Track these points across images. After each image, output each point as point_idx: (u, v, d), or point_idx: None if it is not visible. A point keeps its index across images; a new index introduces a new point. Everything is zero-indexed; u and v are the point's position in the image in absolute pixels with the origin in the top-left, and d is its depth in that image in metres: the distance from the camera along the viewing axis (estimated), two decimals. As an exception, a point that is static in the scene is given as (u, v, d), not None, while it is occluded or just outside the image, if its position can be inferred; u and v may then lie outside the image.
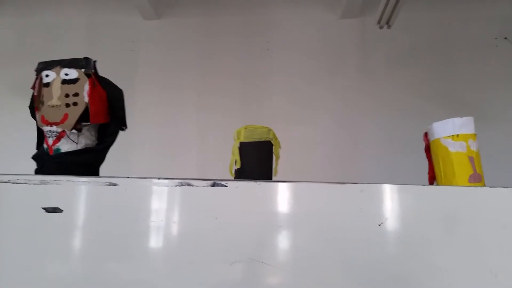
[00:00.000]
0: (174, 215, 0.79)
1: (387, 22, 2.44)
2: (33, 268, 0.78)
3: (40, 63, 1.07)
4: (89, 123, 1.04)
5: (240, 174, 1.12)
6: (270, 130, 1.20)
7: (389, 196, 0.81)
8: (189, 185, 0.79)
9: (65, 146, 1.02)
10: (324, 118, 2.93)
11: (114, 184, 0.79)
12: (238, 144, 1.12)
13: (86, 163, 1.06)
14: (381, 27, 2.50)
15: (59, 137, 1.02)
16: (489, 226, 0.80)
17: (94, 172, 1.13)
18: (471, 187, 0.89)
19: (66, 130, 1.01)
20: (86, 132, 1.06)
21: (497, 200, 0.81)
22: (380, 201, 0.80)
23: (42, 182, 0.79)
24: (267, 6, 3.11)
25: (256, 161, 1.15)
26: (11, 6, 3.23)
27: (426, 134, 1.20)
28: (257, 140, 1.14)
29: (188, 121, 2.99)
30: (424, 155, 1.23)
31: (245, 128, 1.13)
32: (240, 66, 3.05)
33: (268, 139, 1.18)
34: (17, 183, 0.80)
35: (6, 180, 0.80)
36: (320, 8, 3.08)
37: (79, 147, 1.04)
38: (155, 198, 0.80)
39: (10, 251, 0.79)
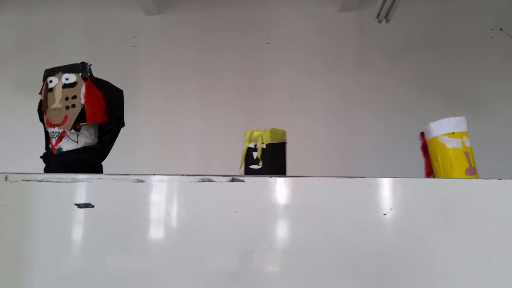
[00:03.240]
0: (197, 208, 0.86)
1: (386, 16, 2.48)
2: (67, 260, 0.85)
3: (46, 71, 1.15)
4: (86, 123, 1.11)
5: (263, 173, 1.16)
6: (285, 132, 1.27)
7: (393, 188, 0.89)
8: (210, 180, 0.86)
9: (66, 145, 1.10)
10: (323, 111, 2.98)
11: (141, 181, 0.86)
12: (262, 146, 1.17)
13: (86, 160, 1.13)
14: (379, 21, 2.54)
15: (60, 137, 1.10)
16: (484, 214, 0.88)
17: (95, 169, 1.19)
18: (468, 179, 0.96)
19: (66, 130, 1.09)
20: (85, 132, 1.13)
21: (492, 190, 0.89)
22: (385, 193, 0.88)
23: (74, 180, 0.86)
24: (267, 1, 3.14)
25: (280, 160, 1.22)
26: (12, 4, 3.23)
27: (422, 134, 1.27)
28: (279, 141, 1.21)
29: (189, 115, 3.04)
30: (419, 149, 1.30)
31: (271, 130, 1.19)
32: (241, 60, 3.09)
33: (285, 141, 1.26)
34: (50, 182, 0.86)
35: (40, 179, 0.86)
36: (319, 2, 3.12)
37: (79, 145, 1.11)
38: (179, 193, 0.87)
39: (45, 245, 0.85)
